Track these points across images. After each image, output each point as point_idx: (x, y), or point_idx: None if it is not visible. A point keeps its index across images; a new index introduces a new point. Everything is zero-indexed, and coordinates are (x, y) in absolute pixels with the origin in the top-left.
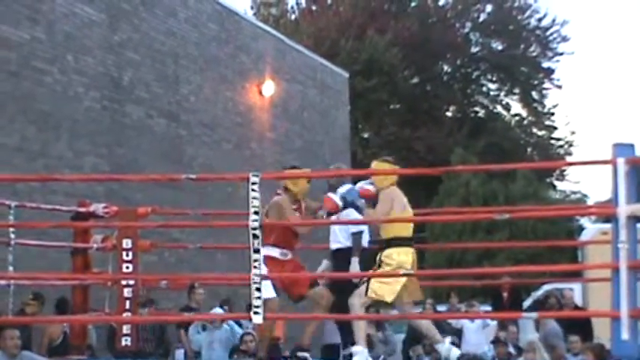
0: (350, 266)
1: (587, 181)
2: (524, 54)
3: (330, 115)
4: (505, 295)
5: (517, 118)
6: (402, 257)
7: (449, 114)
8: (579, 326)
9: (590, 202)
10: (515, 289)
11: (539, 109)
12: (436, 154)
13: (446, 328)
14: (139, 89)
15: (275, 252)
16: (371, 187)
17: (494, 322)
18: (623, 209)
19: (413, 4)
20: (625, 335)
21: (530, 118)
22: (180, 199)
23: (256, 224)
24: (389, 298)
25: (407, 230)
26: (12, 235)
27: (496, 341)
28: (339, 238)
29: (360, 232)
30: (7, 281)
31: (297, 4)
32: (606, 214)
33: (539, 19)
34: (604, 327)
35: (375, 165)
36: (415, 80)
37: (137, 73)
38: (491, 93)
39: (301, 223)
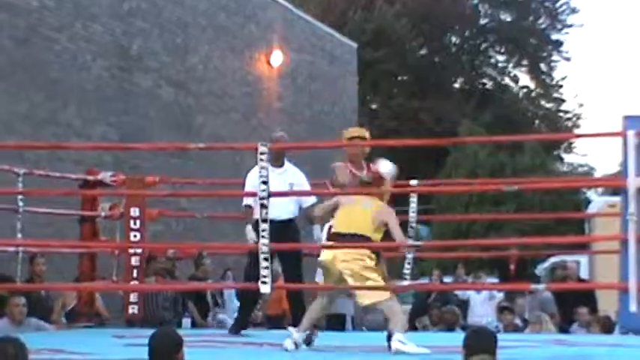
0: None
1: (594, 154)
2: (532, 26)
3: (338, 85)
4: (512, 267)
5: (525, 90)
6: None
7: (457, 85)
8: (584, 298)
9: (597, 175)
10: (523, 261)
11: (548, 81)
12: (444, 126)
13: (452, 299)
14: (147, 58)
15: None
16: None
17: (501, 294)
18: (633, 181)
19: None
20: (633, 307)
21: (538, 90)
22: (188, 168)
23: (264, 194)
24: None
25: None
26: (20, 203)
27: (502, 309)
28: (290, 208)
29: (313, 205)
30: (16, 248)
31: None
32: (615, 186)
33: None
34: (610, 299)
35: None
36: (423, 51)
37: (146, 42)
38: (500, 65)
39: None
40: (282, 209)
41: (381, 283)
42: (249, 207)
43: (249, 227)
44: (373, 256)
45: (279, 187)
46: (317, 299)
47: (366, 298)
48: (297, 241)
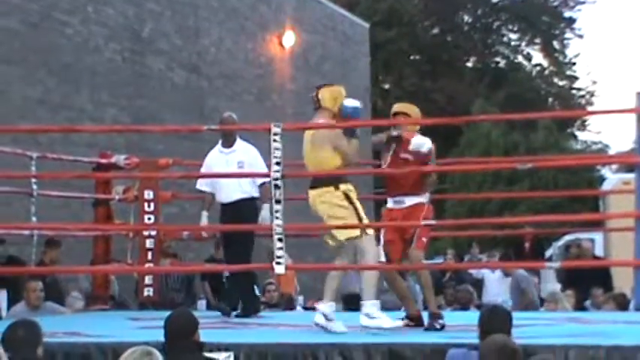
0: (259, 218)
1: (608, 131)
2: (545, 3)
3: (350, 66)
4: (527, 245)
5: (538, 68)
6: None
7: (469, 64)
8: (599, 277)
9: (611, 152)
10: (538, 239)
11: (561, 59)
12: (456, 105)
13: (467, 278)
14: (159, 41)
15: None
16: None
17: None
18: None
19: None
20: None
21: (551, 68)
22: (201, 150)
23: (278, 175)
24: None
25: None
26: (34, 186)
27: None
28: (244, 188)
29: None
30: (31, 231)
31: None
32: (629, 163)
33: None
34: (625, 276)
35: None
36: (435, 31)
37: (157, 25)
38: (512, 43)
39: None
40: (229, 191)
41: (354, 221)
42: (203, 192)
43: (205, 213)
44: (337, 192)
45: (226, 168)
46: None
47: (340, 235)
48: (248, 222)
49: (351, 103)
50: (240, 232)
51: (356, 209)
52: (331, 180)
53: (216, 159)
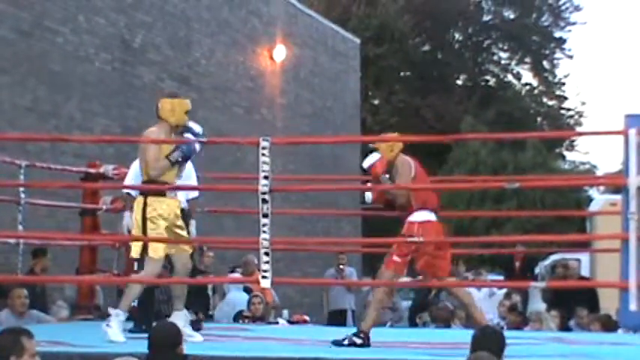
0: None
1: (596, 152)
2: (535, 23)
3: (340, 81)
4: (517, 264)
5: (528, 87)
6: None
7: (459, 82)
8: (586, 297)
9: (598, 173)
10: (529, 259)
11: (550, 78)
12: (446, 123)
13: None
14: (150, 52)
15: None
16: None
17: (502, 291)
18: (634, 180)
19: None
20: (633, 306)
21: (540, 87)
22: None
23: (266, 189)
24: None
25: None
26: (22, 195)
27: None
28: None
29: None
30: (17, 240)
31: None
32: (617, 184)
33: None
34: (610, 298)
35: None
36: (426, 48)
37: (148, 36)
38: (502, 62)
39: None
40: None
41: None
42: (129, 195)
43: (127, 214)
44: (149, 205)
45: None
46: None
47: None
48: None
49: (195, 127)
50: None
51: (144, 225)
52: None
53: None
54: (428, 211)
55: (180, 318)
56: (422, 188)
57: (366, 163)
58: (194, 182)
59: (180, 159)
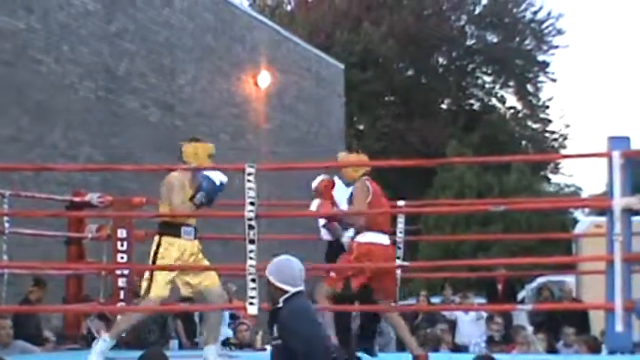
0: None
1: (580, 174)
2: (519, 47)
3: (325, 106)
4: (500, 287)
5: (512, 110)
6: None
7: (444, 106)
8: (577, 319)
9: (583, 195)
10: (510, 282)
11: (534, 102)
12: (431, 147)
13: (440, 320)
14: (134, 80)
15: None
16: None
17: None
18: (618, 202)
19: None
20: (619, 327)
21: (525, 111)
22: None
23: (252, 215)
24: None
25: None
26: (6, 224)
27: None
28: None
29: None
30: (2, 270)
31: None
32: (601, 206)
33: (535, 12)
34: (596, 319)
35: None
36: (410, 72)
37: (132, 64)
38: (487, 86)
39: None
40: None
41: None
42: None
43: None
44: (162, 245)
45: None
46: None
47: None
48: None
49: (214, 176)
50: None
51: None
52: (163, 227)
53: None
54: (375, 233)
55: (211, 354)
56: (372, 213)
57: (313, 206)
58: None
59: (203, 200)
